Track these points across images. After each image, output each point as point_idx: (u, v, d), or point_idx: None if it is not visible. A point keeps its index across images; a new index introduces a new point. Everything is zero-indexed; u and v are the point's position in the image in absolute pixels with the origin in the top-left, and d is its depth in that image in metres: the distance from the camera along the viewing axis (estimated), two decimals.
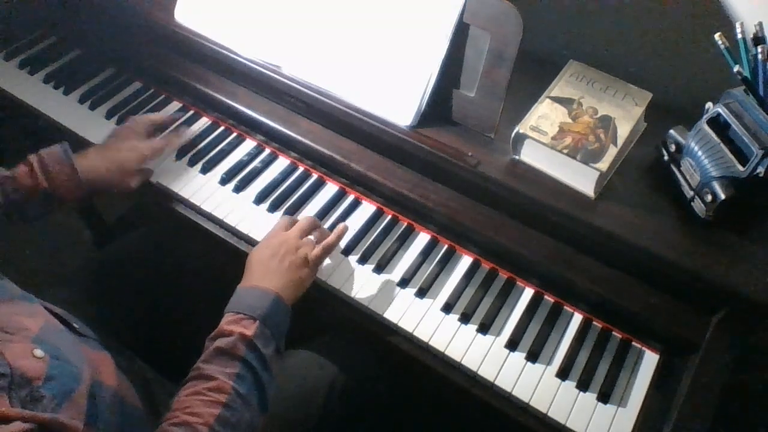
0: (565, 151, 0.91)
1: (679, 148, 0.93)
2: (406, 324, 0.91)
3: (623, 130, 0.94)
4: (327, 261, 0.97)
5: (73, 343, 0.72)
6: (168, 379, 0.94)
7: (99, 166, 0.98)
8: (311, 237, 0.94)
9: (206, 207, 1.04)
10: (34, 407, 0.58)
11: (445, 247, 1.00)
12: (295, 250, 0.89)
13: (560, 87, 1.00)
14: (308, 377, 0.96)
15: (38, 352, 0.62)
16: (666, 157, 0.95)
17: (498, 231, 0.95)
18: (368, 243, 0.99)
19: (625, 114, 0.96)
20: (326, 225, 1.02)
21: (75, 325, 0.79)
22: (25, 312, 0.67)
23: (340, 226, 0.96)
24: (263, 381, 0.77)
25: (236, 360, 0.76)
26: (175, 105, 1.20)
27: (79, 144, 1.14)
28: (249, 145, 1.14)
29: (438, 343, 0.89)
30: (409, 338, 0.91)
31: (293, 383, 0.95)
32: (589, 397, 0.85)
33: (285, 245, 0.89)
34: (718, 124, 0.88)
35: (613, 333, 0.92)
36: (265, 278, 0.85)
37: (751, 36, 0.82)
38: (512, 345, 0.90)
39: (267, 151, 1.13)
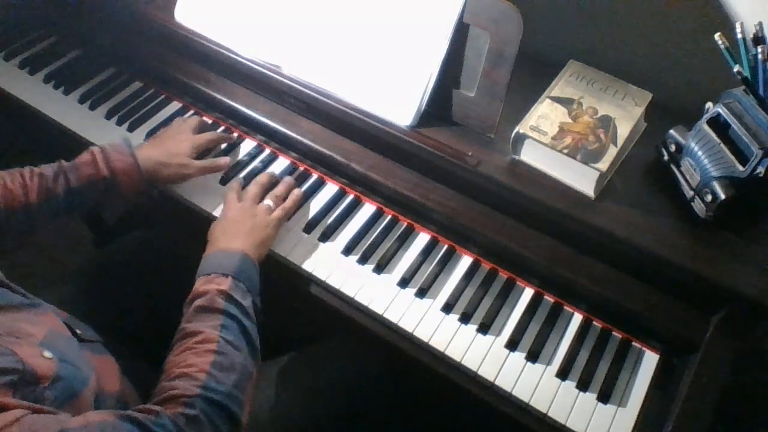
0: (565, 151, 0.91)
1: (679, 148, 0.93)
2: (406, 324, 0.91)
3: (623, 130, 0.94)
4: (327, 261, 0.97)
5: (78, 349, 0.72)
6: None
7: (156, 154, 0.99)
8: (268, 201, 0.97)
9: (206, 207, 1.04)
10: None
11: (445, 247, 1.00)
12: (253, 216, 0.93)
13: (560, 87, 1.00)
14: (309, 380, 0.96)
15: (47, 354, 0.63)
16: (666, 157, 0.95)
17: (498, 231, 0.95)
18: (368, 243, 0.99)
19: (625, 114, 0.96)
20: (327, 223, 1.02)
21: (78, 330, 0.79)
22: (29, 320, 0.67)
23: (295, 191, 1.01)
24: (248, 328, 0.79)
25: (217, 312, 0.78)
26: (175, 105, 1.20)
27: (79, 144, 1.15)
28: (249, 144, 1.14)
29: (438, 343, 0.89)
30: (409, 338, 0.91)
31: (295, 387, 0.95)
32: (589, 397, 0.85)
33: (241, 212, 0.93)
34: (718, 124, 0.88)
35: (613, 333, 0.92)
36: (228, 241, 0.88)
37: (751, 36, 0.82)
38: (512, 345, 0.90)
39: (267, 151, 1.13)
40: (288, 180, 1.03)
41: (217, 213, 1.03)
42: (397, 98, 1.00)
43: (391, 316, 0.92)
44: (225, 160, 1.05)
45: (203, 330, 0.75)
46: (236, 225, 0.91)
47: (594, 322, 0.93)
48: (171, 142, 1.03)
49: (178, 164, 1.00)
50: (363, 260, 0.98)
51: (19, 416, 0.55)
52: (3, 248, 0.90)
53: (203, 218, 1.04)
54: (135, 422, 0.62)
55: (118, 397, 0.75)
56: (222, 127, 1.16)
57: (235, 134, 1.15)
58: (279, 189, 1.01)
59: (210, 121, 1.16)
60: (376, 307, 0.93)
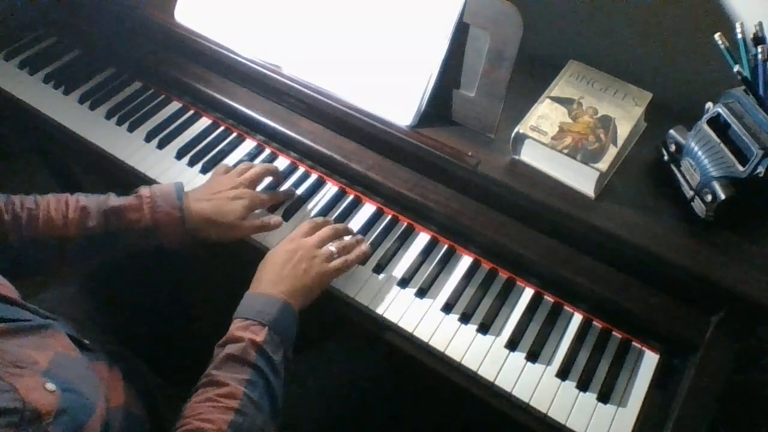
0: (565, 151, 0.91)
1: (679, 148, 0.93)
2: (406, 324, 0.91)
3: (623, 130, 0.94)
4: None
5: (85, 368, 0.71)
6: (169, 382, 0.94)
7: (206, 212, 0.93)
8: (332, 247, 0.92)
9: None
10: None
11: (445, 247, 1.00)
12: (311, 258, 0.89)
13: (560, 87, 1.00)
14: (311, 380, 0.96)
15: (50, 386, 0.61)
16: (666, 157, 0.95)
17: (498, 231, 0.95)
18: (368, 243, 0.99)
19: (625, 114, 0.96)
20: None
21: (85, 341, 0.79)
22: (35, 345, 0.66)
23: (363, 246, 0.95)
24: (274, 387, 0.77)
25: (247, 366, 0.76)
26: (175, 105, 1.20)
27: (78, 144, 1.15)
28: (249, 145, 1.14)
29: (438, 343, 0.89)
30: (409, 338, 0.91)
31: (296, 387, 0.95)
32: (589, 397, 0.85)
33: (301, 251, 0.89)
34: (718, 124, 0.88)
35: (613, 333, 0.92)
36: (274, 284, 0.85)
37: (751, 36, 0.82)
38: (512, 345, 0.90)
39: (267, 151, 1.13)
40: (360, 237, 0.98)
41: None
42: (397, 98, 1.00)
43: (391, 316, 0.92)
44: (277, 220, 0.99)
45: (229, 383, 0.74)
46: (288, 264, 0.87)
47: (594, 322, 0.93)
48: (225, 199, 0.95)
49: (227, 227, 0.94)
50: (362, 261, 0.98)
51: None
52: (26, 277, 0.84)
53: None
54: None
55: (124, 409, 0.74)
56: (222, 127, 1.16)
57: (234, 134, 1.15)
58: (348, 240, 0.96)
59: (282, 167, 1.09)
60: (376, 308, 0.93)
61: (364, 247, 0.95)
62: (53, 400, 0.60)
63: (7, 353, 0.60)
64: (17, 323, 0.66)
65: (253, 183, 1.00)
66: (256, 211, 1.00)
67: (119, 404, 0.74)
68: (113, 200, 0.90)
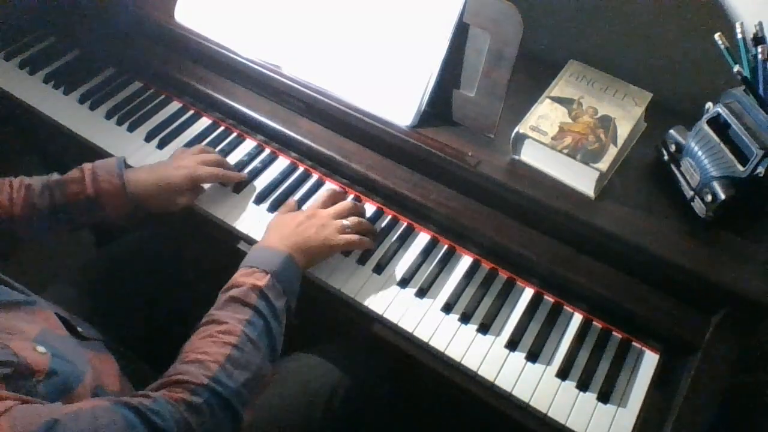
0: (565, 151, 0.91)
1: (679, 148, 0.93)
2: (406, 324, 0.91)
3: (623, 130, 0.94)
4: (327, 263, 0.96)
5: (75, 347, 0.72)
6: None
7: (147, 180, 0.96)
8: (346, 221, 0.95)
9: (205, 207, 1.04)
10: None
11: (445, 247, 1.00)
12: (323, 225, 0.92)
13: (560, 87, 1.00)
14: (310, 381, 0.96)
15: (41, 348, 0.63)
16: (666, 157, 0.95)
17: (498, 231, 0.95)
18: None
19: (625, 114, 0.96)
20: None
21: (79, 328, 0.79)
22: (23, 319, 0.68)
23: (370, 240, 0.98)
24: (273, 329, 0.79)
25: (247, 307, 0.78)
26: (175, 105, 1.20)
27: (78, 144, 1.15)
28: (249, 145, 1.14)
29: (438, 343, 0.89)
30: (409, 338, 0.91)
31: (295, 387, 0.95)
32: (589, 397, 0.85)
33: (315, 218, 0.93)
34: (718, 124, 0.88)
35: (613, 333, 0.92)
36: (281, 240, 0.89)
37: (751, 36, 0.82)
38: (512, 345, 0.90)
39: (267, 151, 1.13)
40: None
41: (216, 213, 1.03)
42: (397, 98, 1.00)
43: (391, 316, 0.92)
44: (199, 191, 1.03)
45: (228, 321, 0.76)
46: (300, 226, 0.91)
47: (594, 322, 0.93)
48: (168, 169, 0.98)
49: (167, 197, 0.97)
50: (362, 261, 0.98)
51: (9, 406, 0.55)
52: None
53: (205, 219, 1.04)
54: (130, 407, 0.62)
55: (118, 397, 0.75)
56: (222, 127, 1.16)
57: (234, 134, 1.15)
58: (366, 223, 0.98)
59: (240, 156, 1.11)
60: (376, 308, 0.93)
61: (371, 241, 0.98)
62: (45, 360, 0.62)
63: None
64: (5, 297, 0.68)
65: (207, 162, 1.02)
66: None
67: (113, 390, 0.75)
68: (56, 176, 0.94)
